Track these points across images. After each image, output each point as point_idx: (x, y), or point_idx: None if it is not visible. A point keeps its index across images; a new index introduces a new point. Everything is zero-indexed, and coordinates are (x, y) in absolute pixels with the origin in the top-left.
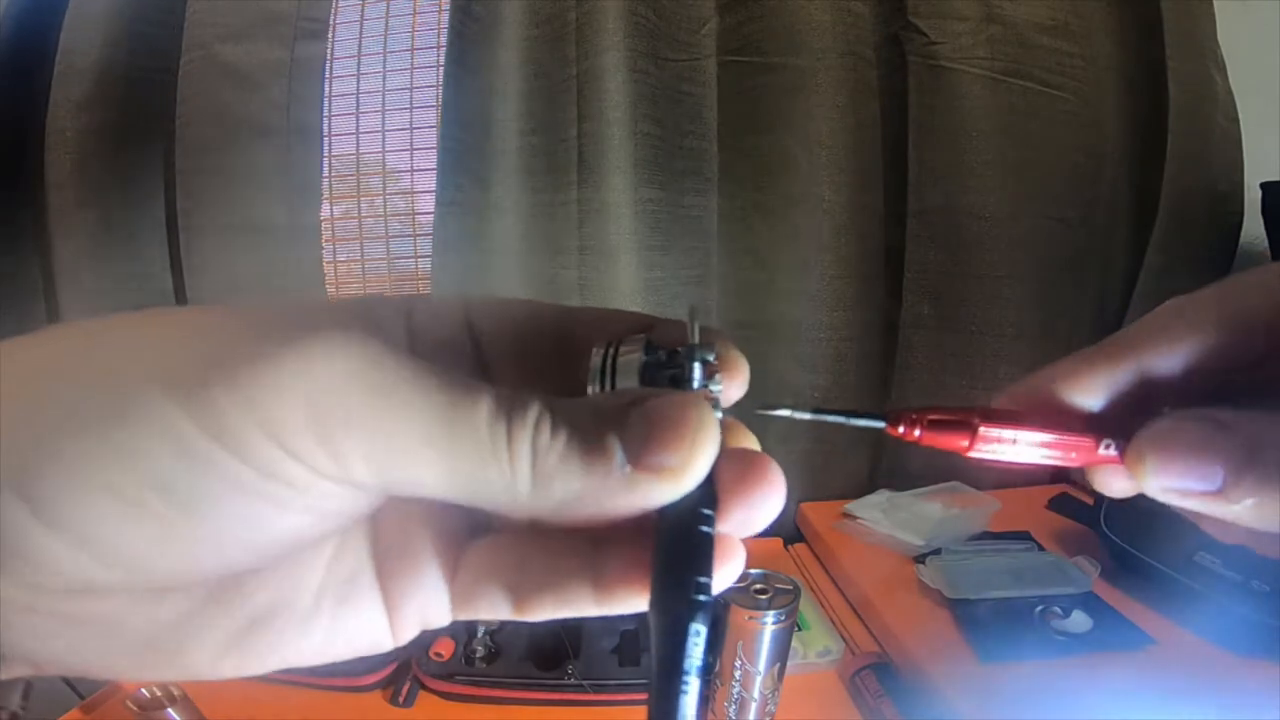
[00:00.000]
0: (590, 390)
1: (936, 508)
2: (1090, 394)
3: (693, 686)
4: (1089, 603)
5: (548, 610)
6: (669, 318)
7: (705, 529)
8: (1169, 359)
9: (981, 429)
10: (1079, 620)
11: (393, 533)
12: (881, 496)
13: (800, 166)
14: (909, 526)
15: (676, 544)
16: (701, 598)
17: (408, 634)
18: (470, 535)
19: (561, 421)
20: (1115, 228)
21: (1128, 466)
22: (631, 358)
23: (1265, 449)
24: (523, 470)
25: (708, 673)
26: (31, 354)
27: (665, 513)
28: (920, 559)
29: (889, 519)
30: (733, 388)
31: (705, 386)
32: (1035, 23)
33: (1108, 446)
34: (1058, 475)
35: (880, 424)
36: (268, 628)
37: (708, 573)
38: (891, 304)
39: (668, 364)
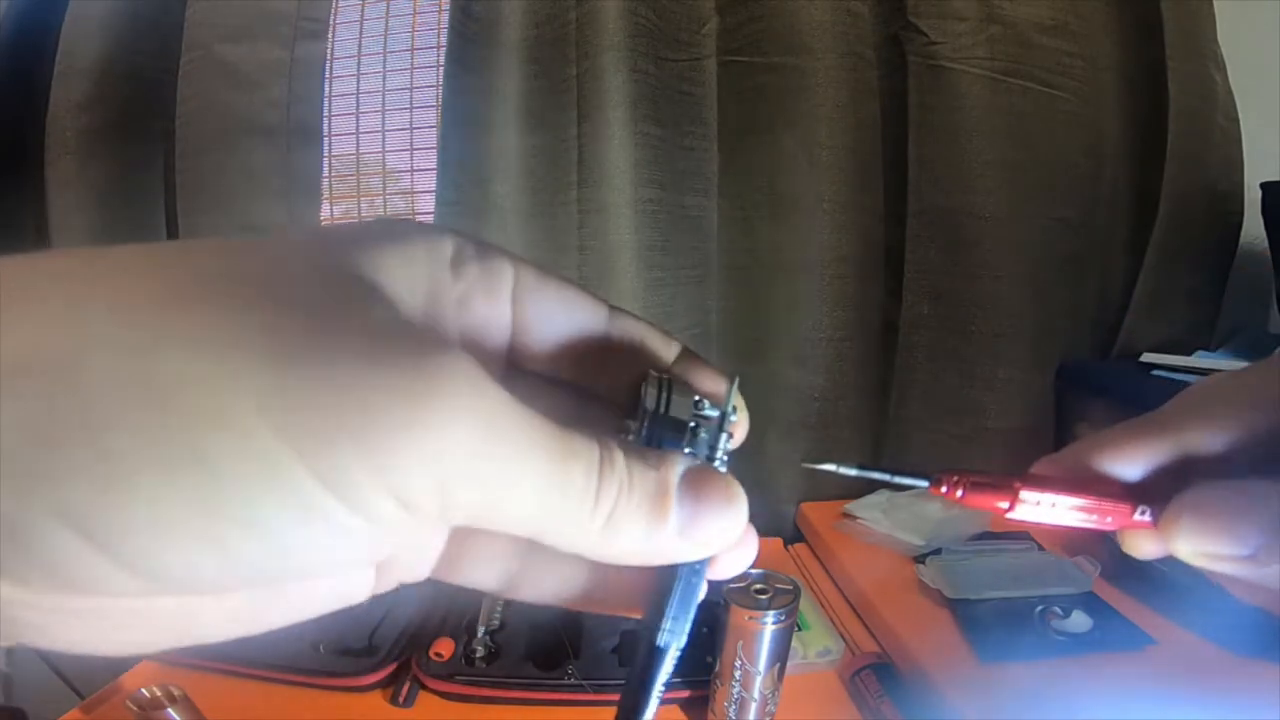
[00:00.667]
0: (635, 424)
1: (936, 508)
2: (1131, 467)
3: (654, 703)
4: (1089, 603)
5: (533, 597)
6: (695, 352)
7: (695, 581)
8: (1207, 438)
9: (1022, 492)
10: (1079, 620)
11: None
12: (881, 496)
13: (800, 166)
14: (909, 526)
15: (675, 585)
16: (687, 627)
17: (386, 586)
18: None
19: (638, 483)
20: (1115, 228)
21: (1162, 531)
22: (684, 410)
23: None
24: (600, 520)
25: (708, 673)
26: (65, 316)
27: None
28: (920, 559)
29: (889, 519)
30: (738, 435)
31: (728, 442)
32: (1035, 23)
33: (1143, 513)
34: None
35: (924, 483)
36: (273, 591)
37: (693, 610)
38: (891, 304)
39: (702, 416)
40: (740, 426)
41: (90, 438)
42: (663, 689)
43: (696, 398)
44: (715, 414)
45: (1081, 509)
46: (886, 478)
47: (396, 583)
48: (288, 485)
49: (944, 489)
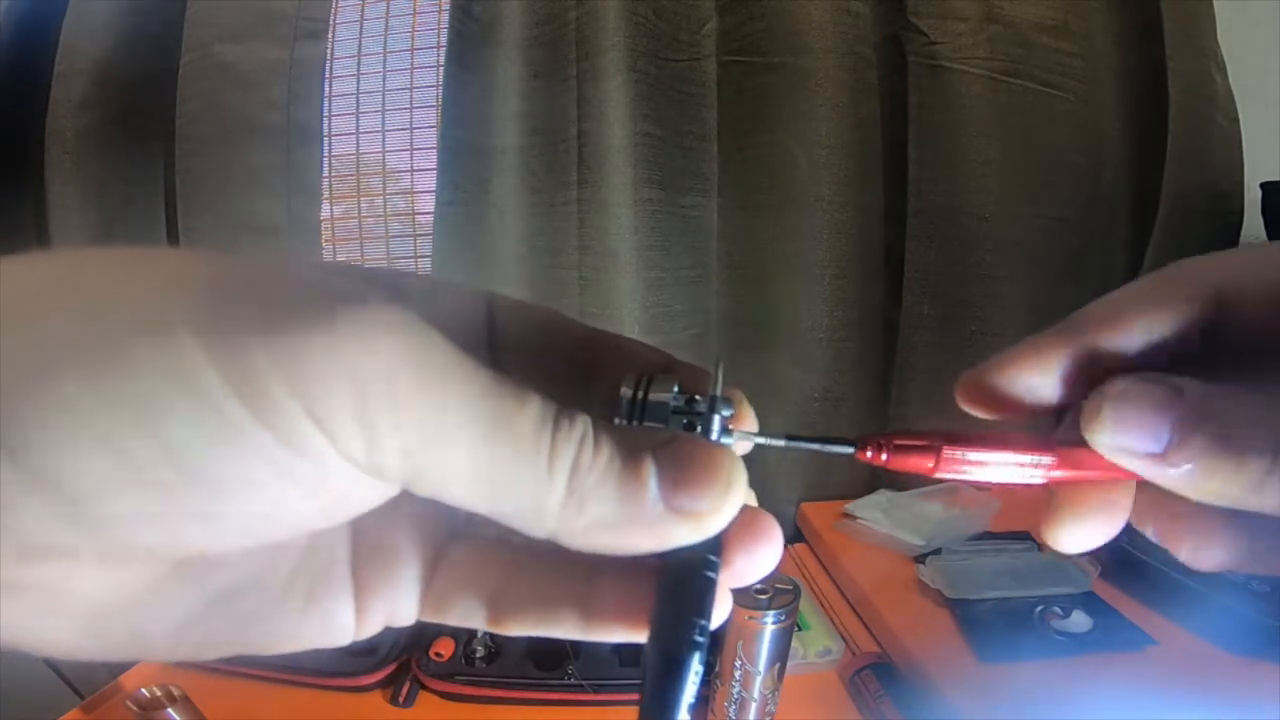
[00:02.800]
0: (616, 422)
1: (936, 508)
2: (1042, 375)
3: None
4: (1089, 603)
5: (525, 628)
6: (687, 361)
7: (710, 574)
8: (1119, 336)
9: (945, 450)
10: (1079, 620)
11: (373, 525)
12: (881, 496)
13: (800, 166)
14: (909, 526)
15: (682, 586)
16: (700, 639)
17: (370, 630)
18: (450, 538)
19: (604, 443)
20: (1115, 228)
21: (1084, 424)
22: (664, 398)
23: (1209, 417)
24: (559, 484)
25: (708, 673)
26: (14, 276)
27: (674, 554)
28: (920, 559)
29: (889, 519)
30: (741, 445)
31: (722, 438)
32: (1035, 23)
33: (1067, 431)
34: None
35: (850, 449)
36: (232, 611)
37: (708, 616)
38: (891, 304)
39: (692, 410)
40: (742, 422)
41: (39, 358)
42: (692, 707)
43: (676, 388)
44: (701, 402)
45: (1011, 462)
46: (816, 447)
47: (381, 625)
48: (201, 393)
49: (869, 453)
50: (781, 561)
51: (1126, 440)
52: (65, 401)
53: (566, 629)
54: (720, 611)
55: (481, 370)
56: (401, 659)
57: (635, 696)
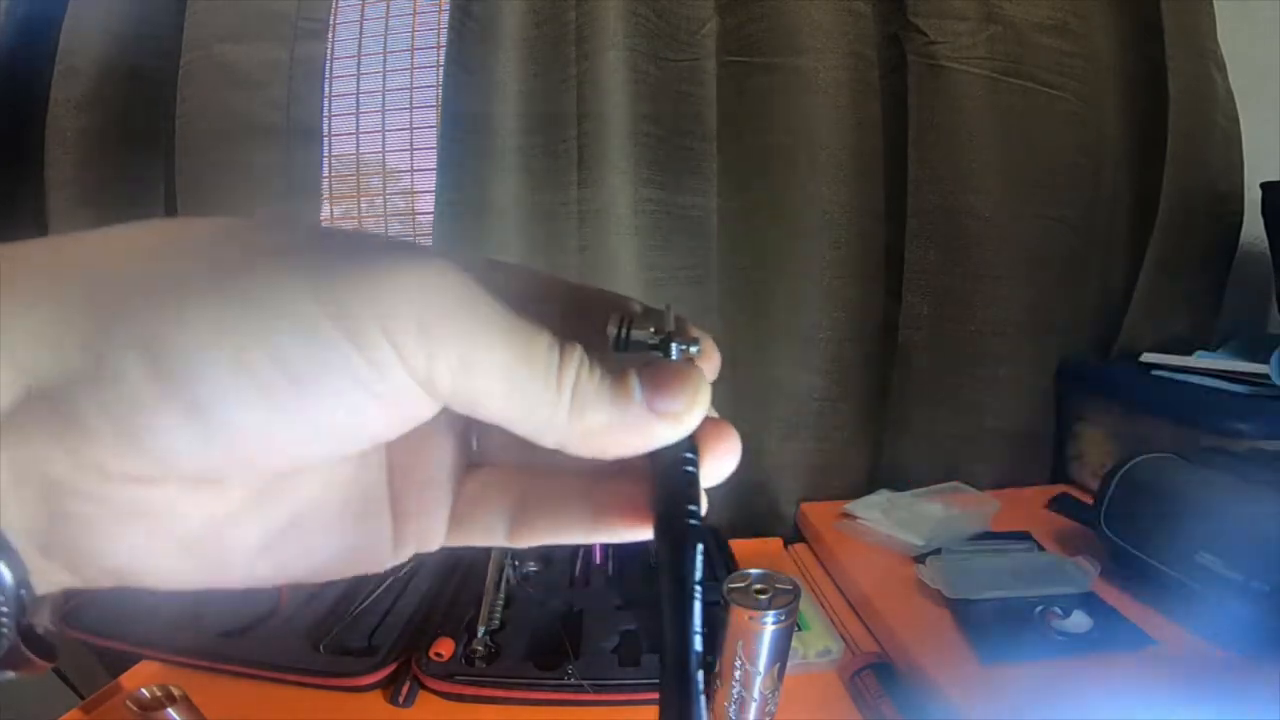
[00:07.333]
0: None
1: (936, 508)
2: None
3: (698, 594)
4: (1089, 603)
5: (542, 536)
6: (654, 306)
7: (691, 469)
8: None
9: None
10: (1079, 620)
11: (405, 455)
12: (881, 496)
13: (800, 166)
14: (909, 526)
15: (672, 482)
16: (695, 522)
17: (403, 555)
18: (467, 469)
19: (597, 362)
20: (1115, 228)
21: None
22: (643, 334)
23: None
24: (565, 395)
25: (708, 672)
26: (153, 235)
27: (659, 457)
28: (920, 559)
29: (889, 519)
30: (709, 369)
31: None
32: (1035, 23)
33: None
34: (1057, 475)
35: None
36: (300, 531)
37: (698, 502)
38: (891, 304)
39: (663, 344)
40: (708, 358)
41: (170, 287)
42: (700, 580)
43: (652, 328)
44: (673, 341)
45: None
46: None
47: (414, 549)
48: (305, 321)
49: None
50: (781, 561)
51: None
52: (203, 324)
53: (577, 534)
54: (729, 460)
55: (507, 309)
56: (401, 659)
57: (635, 696)
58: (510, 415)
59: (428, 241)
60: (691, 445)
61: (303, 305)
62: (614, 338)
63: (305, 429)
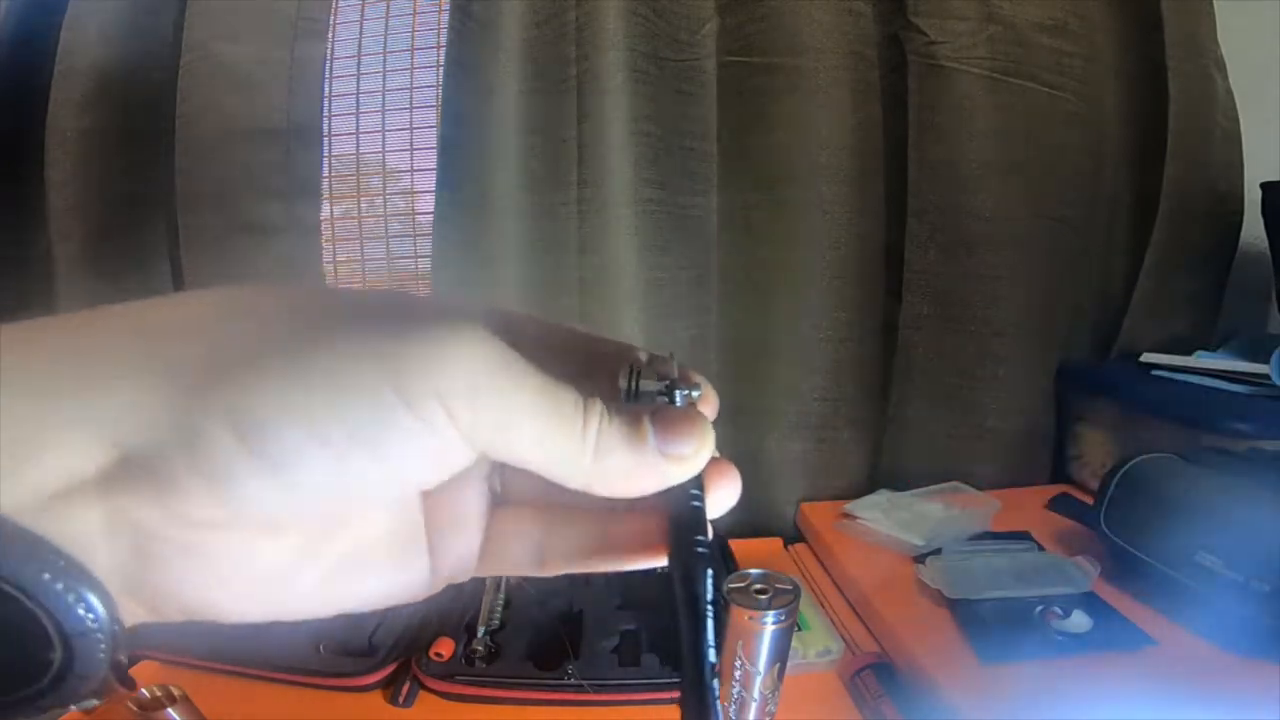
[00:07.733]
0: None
1: (936, 508)
2: None
3: (710, 613)
4: (1089, 603)
5: (565, 567)
6: (658, 353)
7: (697, 505)
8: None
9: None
10: (1079, 620)
11: (439, 497)
12: (881, 496)
13: (800, 166)
14: (909, 526)
15: (682, 516)
16: (702, 550)
17: (439, 585)
18: (496, 506)
19: (616, 414)
20: (1115, 228)
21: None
22: (650, 385)
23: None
24: (590, 444)
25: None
26: (223, 306)
27: (670, 494)
28: (920, 559)
29: (889, 519)
30: (709, 411)
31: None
32: (1035, 23)
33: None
34: (1057, 475)
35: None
36: (351, 568)
37: (705, 533)
38: (891, 304)
39: (668, 391)
40: (708, 400)
41: (249, 360)
42: (711, 600)
43: (658, 376)
44: (677, 388)
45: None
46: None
47: (446, 581)
48: (376, 398)
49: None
50: (781, 562)
51: None
52: (281, 396)
53: (597, 564)
54: (729, 494)
55: (536, 370)
56: (401, 659)
57: (635, 696)
58: (542, 462)
59: (427, 242)
60: (698, 481)
61: (367, 378)
62: (625, 390)
63: (365, 481)
